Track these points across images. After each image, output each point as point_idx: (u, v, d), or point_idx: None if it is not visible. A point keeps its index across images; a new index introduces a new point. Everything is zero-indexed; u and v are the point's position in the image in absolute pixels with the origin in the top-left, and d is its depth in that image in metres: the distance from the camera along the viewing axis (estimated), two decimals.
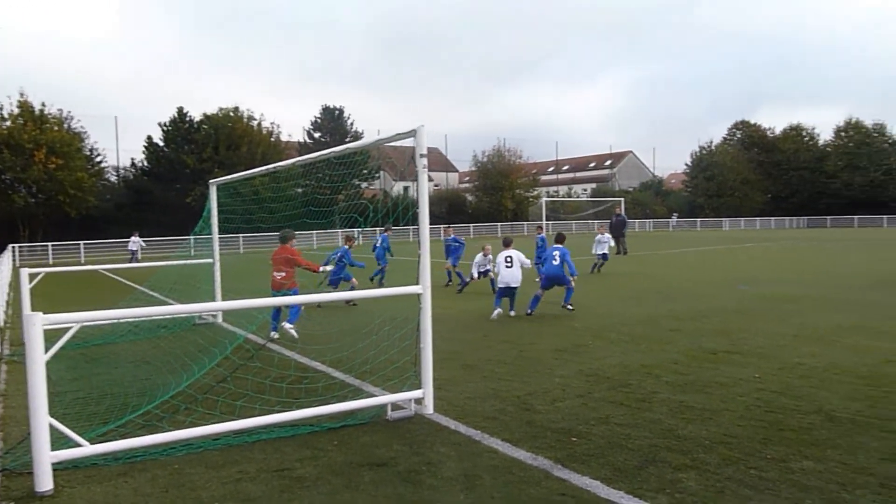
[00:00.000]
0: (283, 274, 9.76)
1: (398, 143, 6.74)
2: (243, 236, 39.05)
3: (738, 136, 79.48)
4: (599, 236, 20.82)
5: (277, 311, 9.88)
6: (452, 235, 17.34)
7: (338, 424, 5.76)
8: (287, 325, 9.95)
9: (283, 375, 7.13)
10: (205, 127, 47.48)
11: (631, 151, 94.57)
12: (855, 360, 7.79)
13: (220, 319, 12.01)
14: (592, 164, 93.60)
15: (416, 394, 6.12)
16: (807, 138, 76.85)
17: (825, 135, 77.08)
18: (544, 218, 53.86)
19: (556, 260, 12.02)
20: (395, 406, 6.10)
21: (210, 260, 12.31)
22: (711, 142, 77.23)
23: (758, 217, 70.06)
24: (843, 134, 74.47)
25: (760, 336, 9.49)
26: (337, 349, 8.41)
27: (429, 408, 6.11)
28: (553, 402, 6.35)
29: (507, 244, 12.09)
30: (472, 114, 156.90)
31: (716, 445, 5.10)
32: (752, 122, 79.83)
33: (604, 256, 20.33)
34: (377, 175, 58.99)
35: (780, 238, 43.59)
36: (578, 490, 4.33)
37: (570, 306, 11.94)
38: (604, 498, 4.20)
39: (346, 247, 13.71)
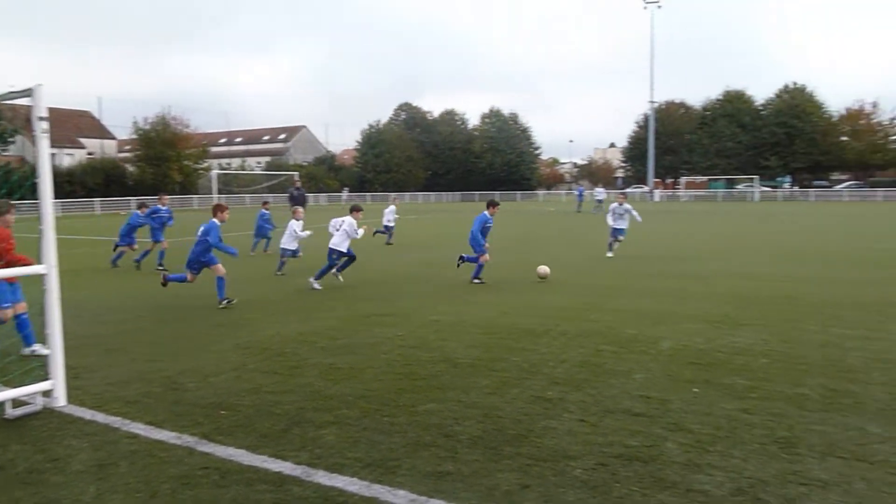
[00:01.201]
0: None
1: (19, 103, 5.87)
2: None
3: (403, 116, 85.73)
4: (393, 206, 21.99)
5: None
6: (167, 206, 16.05)
7: None
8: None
9: None
10: None
11: (305, 126, 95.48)
12: (478, 314, 9.13)
13: None
14: (267, 137, 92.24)
15: (44, 386, 5.47)
16: (459, 122, 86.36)
17: (473, 120, 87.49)
18: (215, 191, 51.66)
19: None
20: (17, 402, 5.38)
21: None
22: (379, 121, 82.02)
23: (421, 192, 76.69)
24: (487, 120, 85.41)
25: (408, 298, 10.53)
26: None
27: (60, 400, 5.52)
28: (205, 378, 6.24)
29: (352, 211, 12.48)
30: (134, 79, 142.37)
31: (357, 400, 5.57)
32: (415, 104, 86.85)
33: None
34: (12, 140, 50.43)
35: (438, 210, 48.46)
36: (221, 461, 4.37)
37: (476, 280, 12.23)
38: (246, 465, 4.31)
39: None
